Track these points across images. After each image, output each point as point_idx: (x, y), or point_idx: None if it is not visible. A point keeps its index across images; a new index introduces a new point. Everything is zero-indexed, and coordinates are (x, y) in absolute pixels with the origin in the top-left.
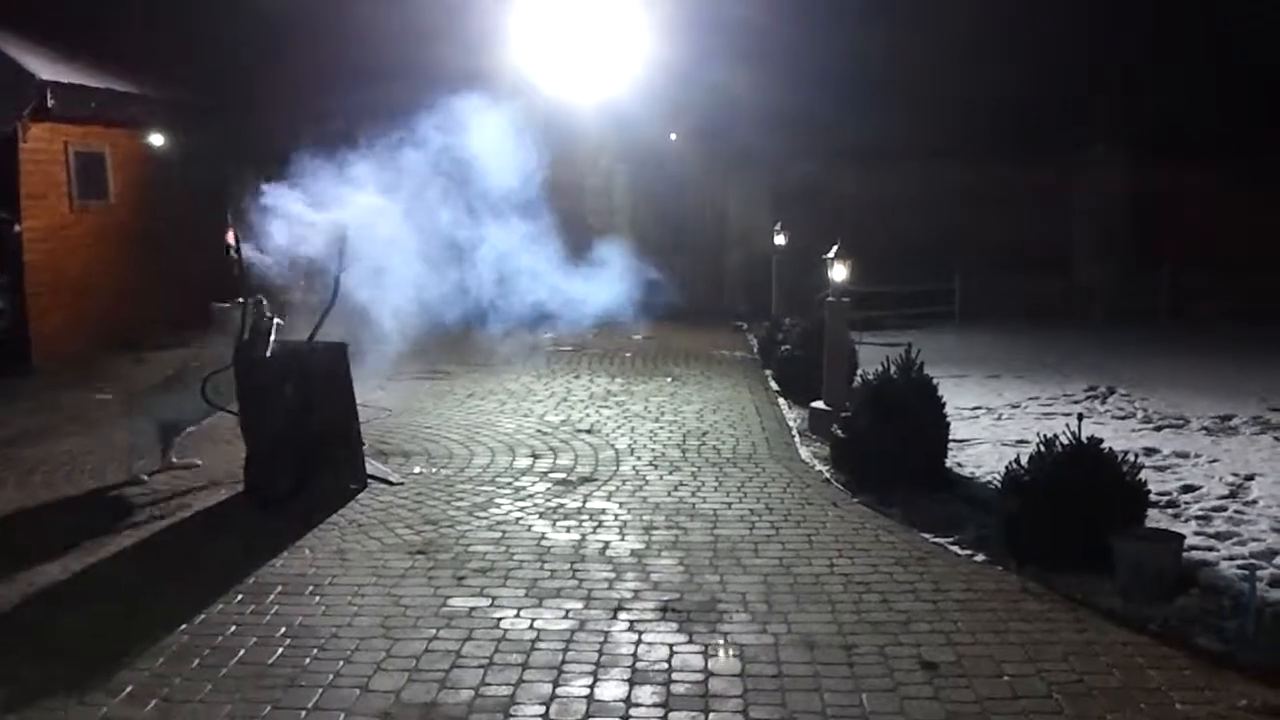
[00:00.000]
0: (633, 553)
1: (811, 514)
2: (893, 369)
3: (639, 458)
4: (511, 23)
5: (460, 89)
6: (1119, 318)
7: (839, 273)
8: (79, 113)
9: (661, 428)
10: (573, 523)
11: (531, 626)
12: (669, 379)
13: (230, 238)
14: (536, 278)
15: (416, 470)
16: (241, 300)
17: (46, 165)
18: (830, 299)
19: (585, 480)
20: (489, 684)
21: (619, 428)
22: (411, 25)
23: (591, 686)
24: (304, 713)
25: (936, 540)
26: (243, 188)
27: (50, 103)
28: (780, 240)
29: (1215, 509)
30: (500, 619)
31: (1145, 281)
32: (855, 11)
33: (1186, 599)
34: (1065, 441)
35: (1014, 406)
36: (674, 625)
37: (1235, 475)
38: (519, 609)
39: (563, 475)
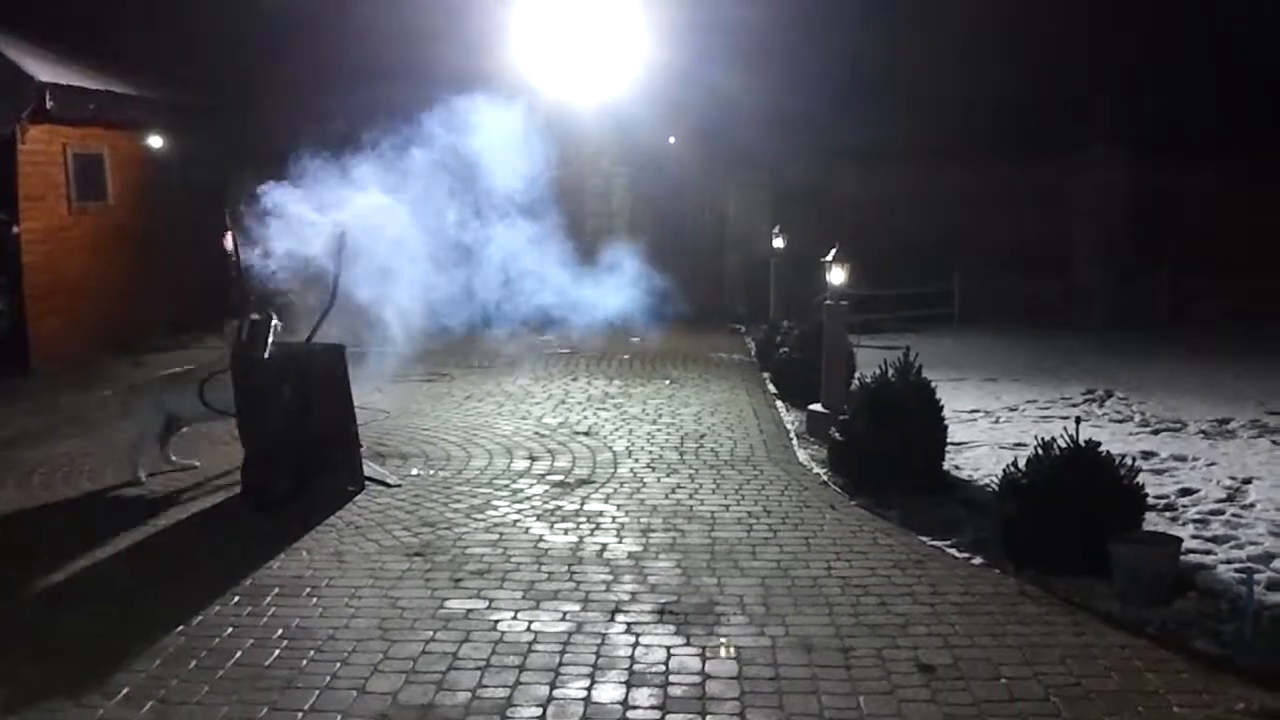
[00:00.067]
0: (630, 555)
1: (809, 516)
2: (891, 372)
3: (637, 460)
4: (511, 24)
5: (460, 90)
6: (1118, 318)
7: (837, 276)
8: (78, 114)
9: (659, 430)
10: (570, 525)
11: (529, 629)
12: (667, 381)
13: (229, 240)
14: (535, 280)
15: (414, 472)
16: (256, 317)
17: (45, 167)
18: (828, 302)
19: (583, 482)
20: (486, 686)
21: (617, 430)
22: (411, 26)
23: (589, 689)
24: (301, 714)
25: (934, 543)
26: (241, 189)
27: (49, 104)
28: (779, 243)
29: (1213, 512)
30: (497, 621)
31: (1145, 282)
32: (854, 12)
33: (1184, 602)
34: (1063, 445)
35: (1012, 409)
36: (671, 628)
37: (1233, 479)
38: (516, 611)
39: (560, 477)
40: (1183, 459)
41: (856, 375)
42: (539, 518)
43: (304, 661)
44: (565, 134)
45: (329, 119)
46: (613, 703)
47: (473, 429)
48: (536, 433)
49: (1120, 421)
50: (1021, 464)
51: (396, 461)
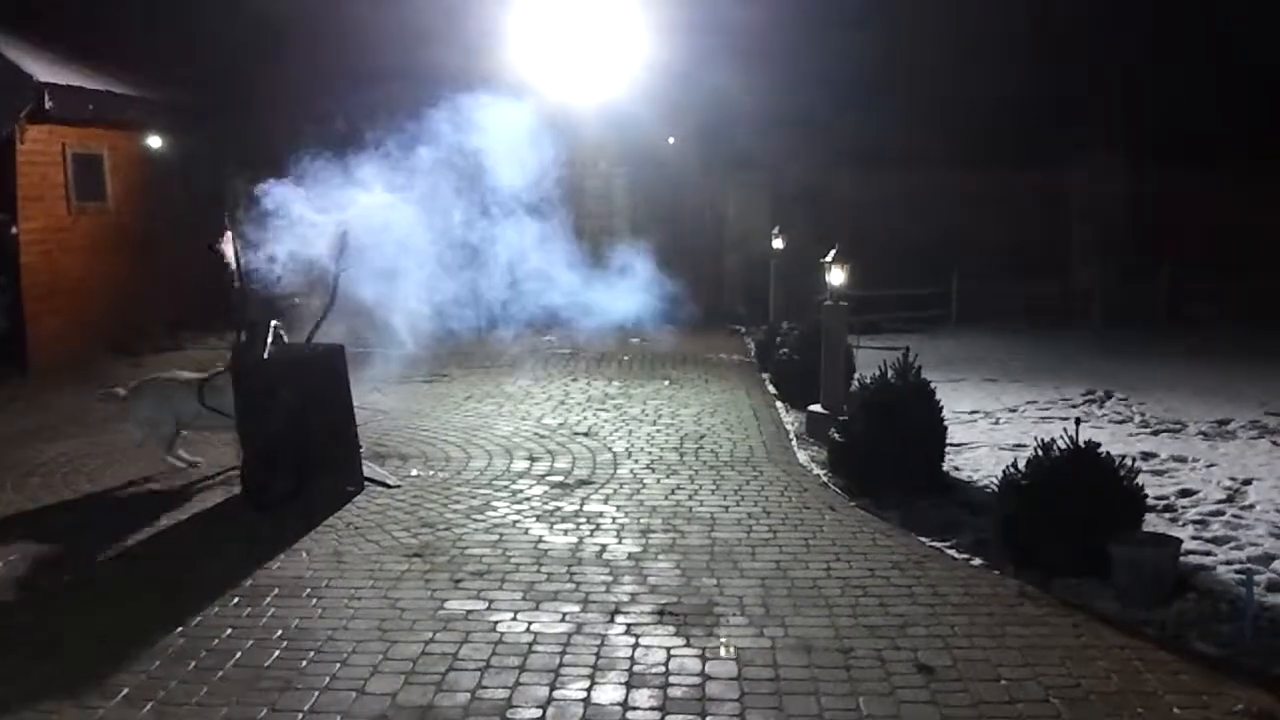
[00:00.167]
0: (630, 556)
1: (809, 518)
2: (890, 373)
3: (636, 461)
4: (510, 24)
5: (459, 91)
6: (1118, 319)
7: (837, 276)
8: (77, 114)
9: (659, 431)
10: (570, 526)
11: (528, 629)
12: (667, 382)
13: (228, 242)
14: (534, 281)
15: (414, 473)
16: (256, 321)
17: (44, 167)
18: (828, 302)
19: (583, 483)
20: (486, 687)
21: (616, 431)
22: (410, 27)
23: (588, 690)
24: (300, 715)
25: (934, 544)
26: (240, 190)
27: (48, 104)
28: (778, 243)
29: (1212, 513)
30: (497, 622)
31: (1144, 283)
32: (854, 12)
33: (1183, 603)
34: (1063, 446)
35: (1011, 410)
36: (671, 629)
37: (1233, 480)
38: (516, 612)
39: (560, 478)
40: (1182, 460)
41: (856, 376)
42: (539, 519)
43: (303, 662)
44: (565, 134)
45: (328, 119)
46: (612, 704)
47: (472, 430)
48: (536, 433)
49: (1120, 422)
50: (1021, 465)
51: (396, 462)
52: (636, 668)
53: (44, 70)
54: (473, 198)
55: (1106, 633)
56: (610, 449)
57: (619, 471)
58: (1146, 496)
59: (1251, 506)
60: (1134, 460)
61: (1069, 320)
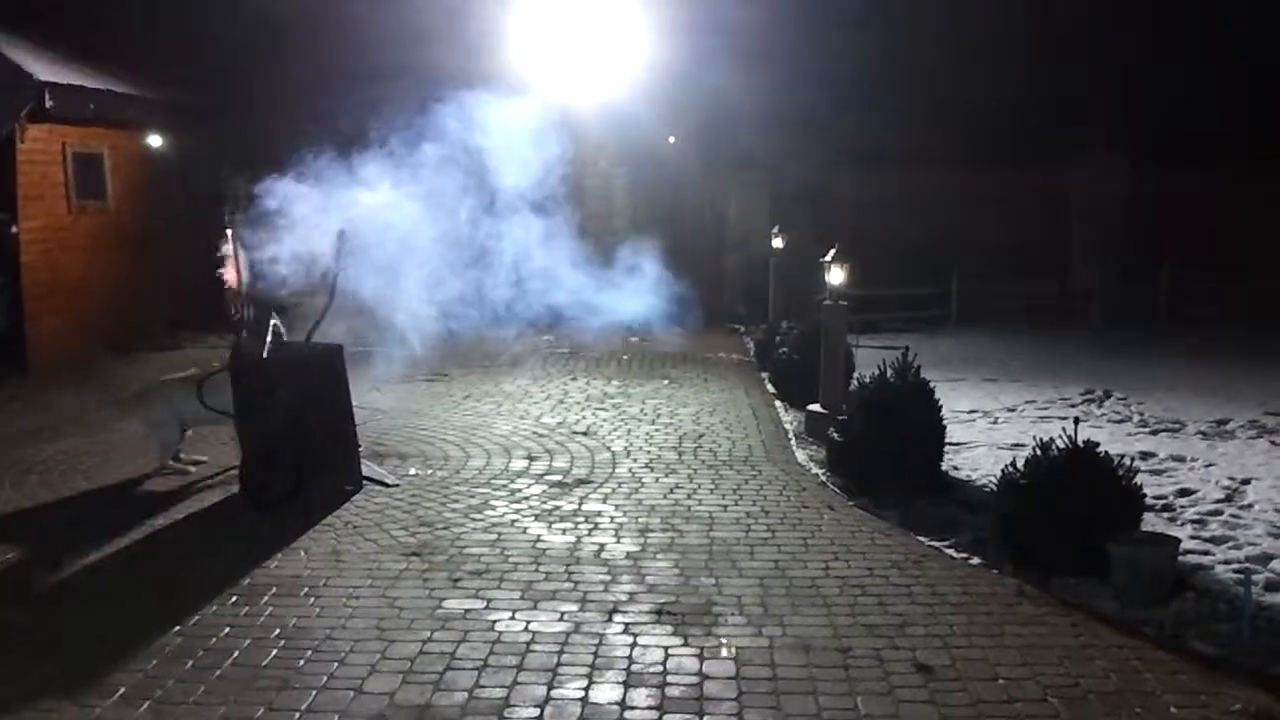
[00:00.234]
0: (628, 555)
1: (807, 517)
2: (889, 372)
3: (635, 460)
4: (510, 24)
5: (458, 91)
6: (1117, 319)
7: (836, 276)
8: (77, 113)
9: (658, 430)
10: (568, 525)
11: (526, 629)
12: (666, 381)
13: (227, 240)
14: (532, 281)
15: (412, 472)
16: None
17: (44, 166)
18: (827, 302)
19: (581, 482)
20: (483, 686)
21: (615, 430)
22: (410, 26)
23: (586, 689)
24: (298, 715)
25: (933, 543)
26: (240, 189)
27: (48, 103)
28: (778, 243)
29: (1211, 513)
30: (495, 621)
31: (1144, 283)
32: (854, 12)
33: (1182, 603)
34: (1062, 445)
35: (1010, 410)
36: (669, 628)
37: (1231, 479)
38: (514, 611)
39: (559, 477)
40: (1181, 459)
41: (855, 375)
42: (537, 518)
43: (301, 661)
44: (565, 134)
45: (328, 119)
46: (610, 703)
47: (471, 429)
48: (535, 432)
49: (1119, 422)
50: (1020, 464)
51: (394, 461)
52: (634, 667)
53: (44, 69)
54: (472, 197)
55: (1105, 632)
56: (609, 448)
57: (618, 470)
58: (1145, 496)
59: (1250, 506)
60: (1133, 460)
61: (1069, 320)
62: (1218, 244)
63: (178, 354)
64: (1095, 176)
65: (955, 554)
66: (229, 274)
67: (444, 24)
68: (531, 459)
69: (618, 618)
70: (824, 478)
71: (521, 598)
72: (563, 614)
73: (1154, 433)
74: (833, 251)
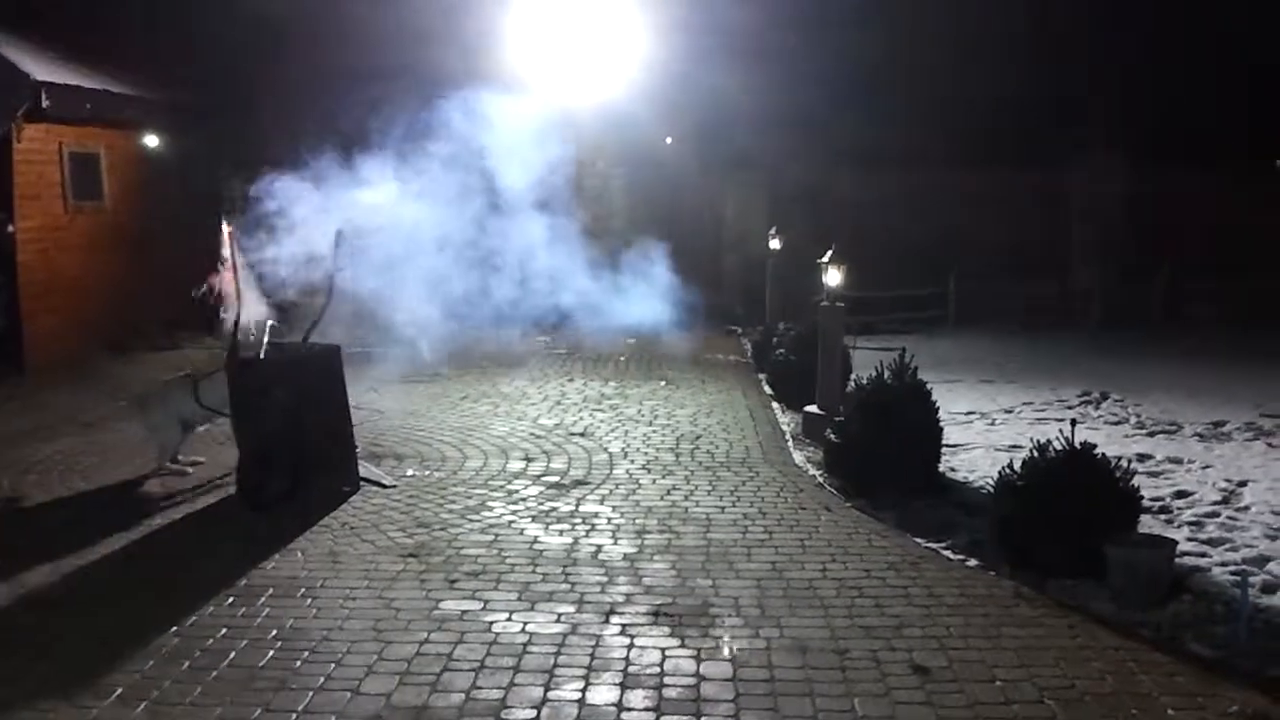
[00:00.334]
0: (625, 556)
1: (805, 518)
2: (887, 373)
3: (632, 461)
4: (509, 25)
5: (458, 91)
6: (1115, 320)
7: (834, 277)
8: (74, 113)
9: (655, 431)
10: (565, 526)
11: (523, 630)
12: (663, 383)
13: (226, 240)
14: (532, 282)
15: (409, 473)
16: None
17: (41, 166)
18: (825, 303)
19: (578, 484)
20: (480, 687)
21: (612, 431)
22: (408, 26)
23: (583, 690)
24: (294, 716)
25: (929, 545)
26: (238, 189)
27: (45, 103)
28: (775, 244)
29: (1208, 515)
30: (492, 622)
31: (1144, 283)
32: (854, 12)
33: (1179, 605)
34: (1059, 447)
35: (1008, 411)
36: (666, 629)
37: (1228, 481)
38: (511, 612)
39: (556, 479)
40: (1178, 461)
41: (853, 377)
42: (534, 519)
43: (298, 662)
44: (563, 134)
45: (327, 119)
46: (607, 704)
47: (468, 430)
48: (532, 434)
49: (1116, 424)
50: (1017, 466)
51: (392, 462)
52: (631, 668)
53: (41, 69)
54: (470, 198)
55: (1102, 634)
56: (606, 449)
57: (615, 472)
58: (1142, 498)
59: (1247, 508)
60: (1130, 462)
61: (1068, 320)
62: (1218, 244)
63: (174, 354)
64: (1095, 176)
65: (952, 555)
66: (219, 276)
67: (443, 24)
68: (529, 460)
69: (615, 619)
70: (821, 479)
71: (518, 599)
72: (560, 615)
73: (1151, 435)
74: (829, 252)
